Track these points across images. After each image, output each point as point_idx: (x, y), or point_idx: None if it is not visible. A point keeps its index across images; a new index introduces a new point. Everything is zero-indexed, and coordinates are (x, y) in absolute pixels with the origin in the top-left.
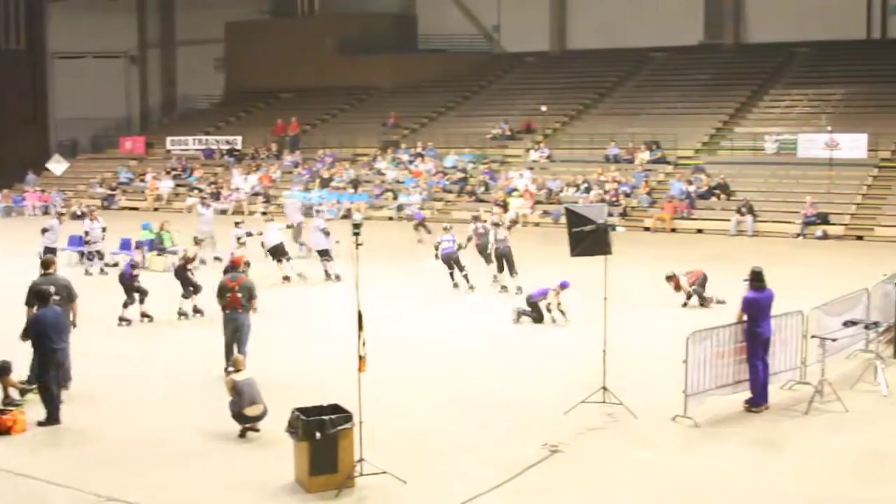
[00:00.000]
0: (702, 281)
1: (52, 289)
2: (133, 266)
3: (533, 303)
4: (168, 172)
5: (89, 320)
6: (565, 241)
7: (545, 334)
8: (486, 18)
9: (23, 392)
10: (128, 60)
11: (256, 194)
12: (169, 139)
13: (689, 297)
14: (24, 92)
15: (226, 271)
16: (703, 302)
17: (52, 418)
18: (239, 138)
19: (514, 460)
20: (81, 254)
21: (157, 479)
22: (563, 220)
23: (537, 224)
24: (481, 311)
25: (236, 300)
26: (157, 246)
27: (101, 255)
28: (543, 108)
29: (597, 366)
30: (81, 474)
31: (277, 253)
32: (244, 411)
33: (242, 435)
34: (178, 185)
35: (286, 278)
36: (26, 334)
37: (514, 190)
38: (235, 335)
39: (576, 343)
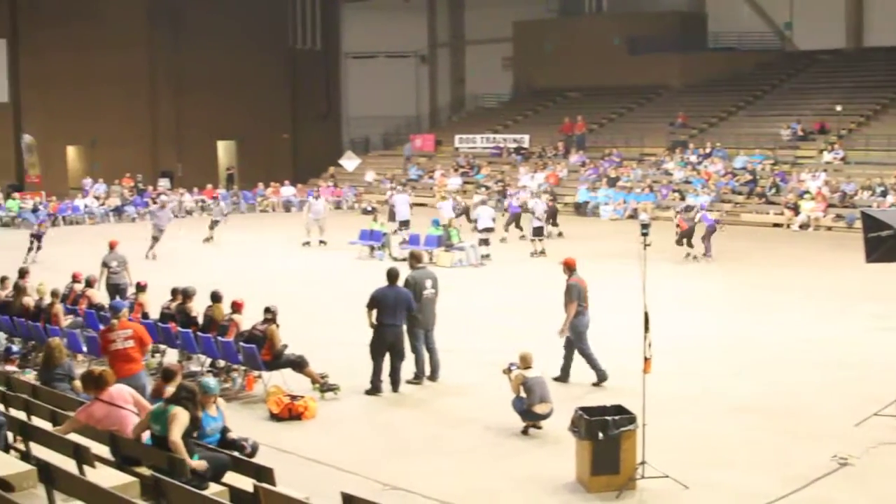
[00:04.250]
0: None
1: (429, 282)
2: None
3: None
4: (456, 170)
5: None
6: (859, 248)
7: (832, 342)
8: (777, 16)
9: (323, 388)
10: (418, 60)
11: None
12: (457, 137)
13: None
14: (319, 91)
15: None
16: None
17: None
18: (526, 136)
19: (800, 472)
20: (371, 248)
21: (441, 470)
22: (858, 224)
23: (829, 228)
24: (762, 314)
25: None
26: (444, 242)
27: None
28: (838, 108)
29: (890, 376)
30: (367, 462)
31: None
32: (534, 408)
33: (525, 431)
34: (465, 183)
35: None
36: None
37: (806, 192)
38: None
39: (868, 352)
